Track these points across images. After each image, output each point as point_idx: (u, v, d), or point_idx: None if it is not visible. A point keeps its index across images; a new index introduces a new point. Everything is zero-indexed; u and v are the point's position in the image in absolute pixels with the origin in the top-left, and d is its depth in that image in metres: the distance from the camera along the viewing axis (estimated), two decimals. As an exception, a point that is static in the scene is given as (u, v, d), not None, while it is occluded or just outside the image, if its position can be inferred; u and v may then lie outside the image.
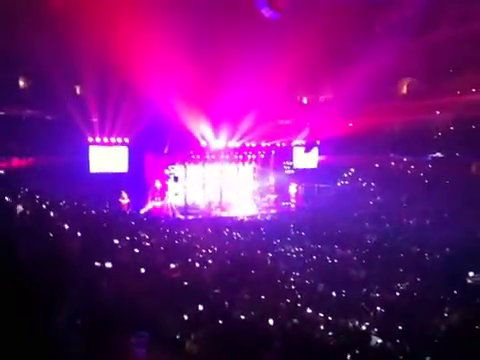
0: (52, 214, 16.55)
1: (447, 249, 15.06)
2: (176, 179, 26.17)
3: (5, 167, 21.08)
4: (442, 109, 25.14)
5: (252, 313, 9.47)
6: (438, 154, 25.68)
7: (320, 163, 30.16)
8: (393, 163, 26.92)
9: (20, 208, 14.24)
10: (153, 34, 19.14)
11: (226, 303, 9.92)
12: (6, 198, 15.31)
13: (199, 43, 21.36)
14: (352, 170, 28.11)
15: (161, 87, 21.29)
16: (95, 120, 23.93)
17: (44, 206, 17.41)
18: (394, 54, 21.92)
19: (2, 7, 19.46)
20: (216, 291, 10.64)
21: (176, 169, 26.16)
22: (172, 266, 12.57)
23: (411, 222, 20.94)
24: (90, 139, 24.20)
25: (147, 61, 20.14)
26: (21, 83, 24.50)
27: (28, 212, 14.58)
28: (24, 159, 22.07)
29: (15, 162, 21.84)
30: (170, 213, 25.02)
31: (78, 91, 25.25)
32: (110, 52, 19.29)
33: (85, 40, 18.75)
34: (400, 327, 8.82)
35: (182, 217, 24.58)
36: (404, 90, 28.40)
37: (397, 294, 11.27)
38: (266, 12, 19.95)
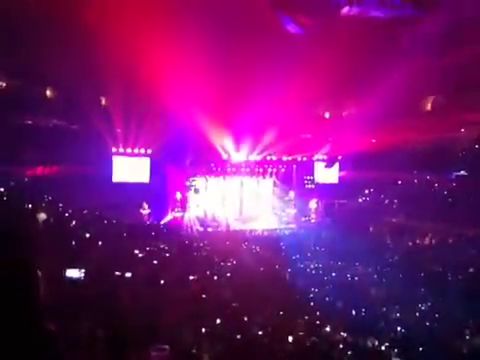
0: (74, 222, 16.81)
1: (471, 269, 14.75)
2: (197, 191, 26.30)
3: (30, 175, 21.50)
4: (466, 126, 24.81)
5: (269, 329, 9.40)
6: (462, 172, 25.28)
7: (341, 179, 29.92)
8: (416, 180, 26.57)
9: (43, 216, 14.49)
10: (178, 48, 19.40)
11: (244, 317, 9.87)
12: (29, 205, 15.59)
13: (223, 57, 21.54)
14: (373, 186, 27.80)
15: (184, 100, 21.52)
16: (119, 131, 24.26)
17: (66, 214, 17.71)
18: (418, 70, 21.74)
19: (31, 20, 20.02)
20: (234, 305, 10.61)
21: (197, 181, 26.29)
22: (191, 278, 12.60)
23: (434, 241, 20.61)
24: (114, 149, 24.52)
25: (171, 74, 20.39)
26: (48, 93, 25.04)
27: (51, 220, 14.83)
28: (49, 168, 22.47)
29: (40, 170, 22.26)
30: (190, 225, 25.10)
31: (103, 102, 25.68)
32: (135, 65, 19.63)
33: (111, 53, 19.09)
34: (420, 349, 8.64)
35: (202, 229, 24.62)
36: (428, 107, 28.13)
37: (418, 314, 11.05)
38: (291, 28, 20.08)
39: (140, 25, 18.93)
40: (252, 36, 21.34)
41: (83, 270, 9.91)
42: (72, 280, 9.56)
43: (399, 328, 9.88)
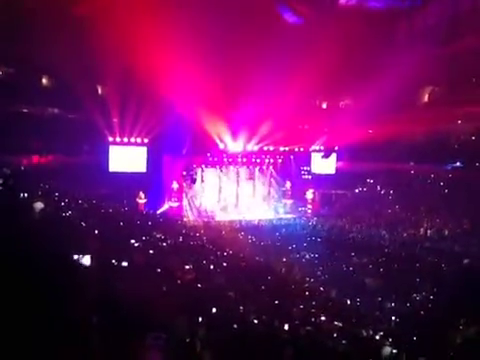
0: (70, 212, 16.76)
1: (465, 260, 14.84)
2: (194, 181, 26.29)
3: (26, 164, 21.42)
4: (463, 118, 24.83)
5: (265, 318, 9.44)
6: (458, 163, 25.34)
7: (338, 169, 29.96)
8: (412, 172, 26.63)
9: (39, 205, 14.42)
10: (175, 38, 19.29)
11: (240, 307, 9.91)
12: (25, 195, 15.51)
13: (221, 47, 21.45)
14: (370, 177, 27.84)
15: (181, 90, 21.43)
16: (115, 120, 24.16)
17: (62, 204, 17.64)
18: (416, 62, 21.70)
19: (27, 9, 19.85)
20: (230, 294, 10.64)
21: (194, 171, 26.30)
22: (186, 268, 12.61)
23: (429, 232, 20.71)
24: (110, 139, 24.44)
25: (168, 64, 20.29)
26: (44, 82, 24.89)
27: (47, 209, 14.76)
28: (44, 157, 22.39)
29: (36, 159, 22.18)
30: (186, 214, 25.13)
31: (100, 91, 25.56)
32: (132, 54, 19.51)
33: (108, 41, 18.96)
34: (414, 338, 8.71)
35: (198, 219, 24.65)
36: (425, 98, 28.12)
37: (412, 304, 11.13)
38: (289, 17, 19.99)
39: (137, 14, 18.83)
40: (250, 26, 21.26)
41: (85, 255, 9.90)
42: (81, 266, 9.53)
43: (394, 318, 9.95)
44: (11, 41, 20.14)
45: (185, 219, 24.18)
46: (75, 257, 9.35)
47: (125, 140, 24.78)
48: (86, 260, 9.78)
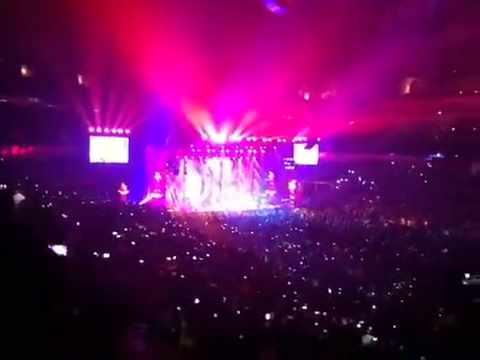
0: (51, 204, 16.58)
1: (444, 250, 15.10)
2: (177, 172, 26.16)
3: (5, 155, 21.08)
4: (444, 110, 25.13)
5: (247, 308, 9.50)
6: (439, 154, 25.69)
7: (320, 160, 30.12)
8: (393, 162, 26.91)
9: (19, 197, 14.23)
10: (157, 27, 19.07)
11: (223, 297, 9.94)
12: (3, 186, 15.30)
13: (202, 37, 21.27)
14: (352, 168, 28.07)
15: (163, 79, 21.24)
16: (96, 110, 23.88)
17: (43, 196, 17.46)
18: (399, 53, 21.85)
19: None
20: (213, 285, 10.67)
21: (180, 163, 26.19)
22: (169, 259, 12.60)
23: (409, 222, 20.99)
24: (91, 129, 24.14)
25: (150, 53, 20.08)
26: (23, 71, 24.44)
27: (27, 201, 14.57)
28: (24, 148, 22.05)
29: (15, 150, 21.84)
30: (169, 206, 25.01)
31: (80, 81, 25.20)
32: (114, 43, 19.26)
33: (89, 30, 18.68)
34: (394, 326, 8.85)
35: (181, 210, 24.57)
36: (407, 90, 28.37)
37: (393, 293, 11.30)
38: (272, 7, 19.89)
39: (119, 2, 18.54)
40: (232, 15, 21.11)
41: (66, 247, 9.81)
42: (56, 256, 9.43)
43: (374, 307, 10.09)
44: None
45: (168, 210, 24.07)
46: (54, 249, 9.28)
47: (106, 130, 24.51)
48: (64, 251, 9.70)
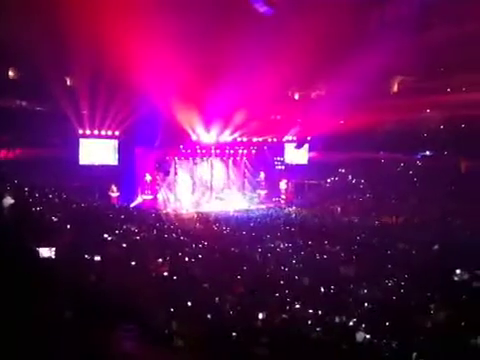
0: (41, 207, 16.45)
1: (435, 246, 15.19)
2: (167, 173, 26.12)
3: (-6, 158, 20.89)
4: (432, 108, 25.31)
5: (239, 308, 9.49)
6: (428, 152, 25.87)
7: (311, 159, 30.22)
8: (383, 160, 27.06)
9: (8, 200, 14.10)
10: (146, 28, 19.02)
11: (215, 298, 9.93)
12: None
13: (192, 38, 21.23)
14: (342, 167, 28.18)
15: (153, 80, 21.16)
16: (85, 112, 23.74)
17: (32, 199, 17.30)
18: (387, 52, 21.96)
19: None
20: (205, 285, 10.65)
21: (171, 164, 26.18)
22: (160, 261, 12.56)
23: (400, 219, 21.11)
24: (80, 131, 23.99)
25: (139, 54, 20.00)
26: (11, 74, 24.22)
27: (17, 204, 14.45)
28: (12, 150, 21.85)
29: (3, 153, 21.62)
30: (160, 207, 24.95)
31: (69, 83, 25.03)
32: (102, 44, 19.13)
33: (77, 31, 18.55)
34: (387, 323, 8.89)
35: (172, 211, 24.51)
36: (395, 88, 28.54)
37: (385, 291, 11.34)
38: (260, 7, 19.91)
39: (108, 3, 18.44)
40: (221, 16, 21.11)
41: (53, 249, 9.73)
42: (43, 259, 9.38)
43: (366, 304, 10.12)
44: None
45: (159, 212, 23.99)
46: (43, 251, 9.22)
47: (95, 132, 24.38)
48: (52, 254, 9.64)
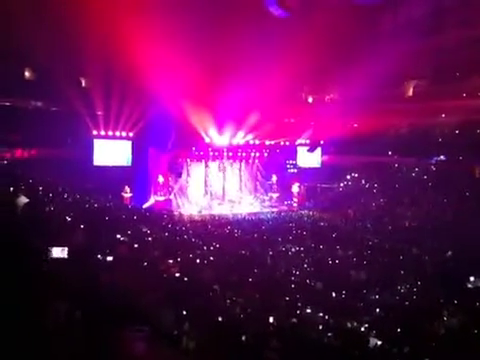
0: (54, 207, 16.61)
1: (448, 252, 15.01)
2: (179, 175, 26.21)
3: (9, 158, 21.12)
4: (447, 112, 25.04)
5: (249, 310, 9.46)
6: (442, 157, 25.59)
7: (323, 163, 30.12)
8: (396, 165, 26.83)
9: (23, 200, 14.25)
10: (160, 30, 19.11)
11: (226, 300, 9.92)
12: (10, 189, 15.34)
13: (205, 40, 21.32)
14: (355, 171, 28.01)
15: (166, 83, 21.26)
16: (100, 113, 23.94)
17: (47, 199, 17.47)
18: (401, 56, 21.81)
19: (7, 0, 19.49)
20: (215, 287, 10.64)
21: (183, 165, 26.29)
22: (170, 262, 12.59)
23: (413, 224, 20.90)
24: (94, 132, 24.19)
25: (153, 57, 20.11)
26: (27, 74, 24.51)
27: (31, 203, 14.60)
28: (28, 150, 22.09)
29: (19, 153, 21.87)
30: (172, 208, 25.04)
31: (83, 84, 25.25)
32: (117, 46, 19.28)
33: (92, 33, 18.71)
34: (399, 329, 8.79)
35: (184, 213, 24.58)
36: (410, 92, 28.31)
37: (396, 296, 11.23)
38: (275, 11, 19.91)
39: (121, 6, 18.59)
40: (235, 19, 21.13)
41: (66, 248, 9.80)
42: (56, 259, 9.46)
43: (378, 310, 10.03)
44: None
45: (171, 213, 24.06)
46: (55, 251, 9.29)
47: (110, 134, 24.58)
48: (65, 254, 9.71)
